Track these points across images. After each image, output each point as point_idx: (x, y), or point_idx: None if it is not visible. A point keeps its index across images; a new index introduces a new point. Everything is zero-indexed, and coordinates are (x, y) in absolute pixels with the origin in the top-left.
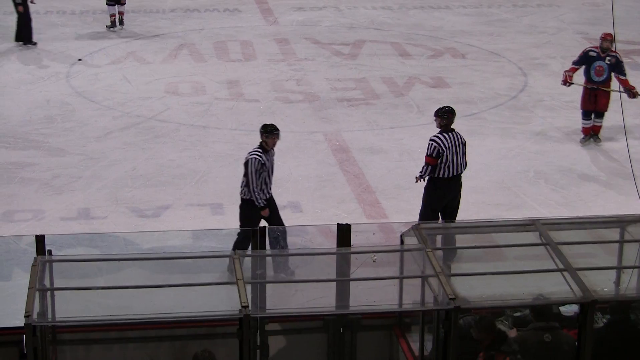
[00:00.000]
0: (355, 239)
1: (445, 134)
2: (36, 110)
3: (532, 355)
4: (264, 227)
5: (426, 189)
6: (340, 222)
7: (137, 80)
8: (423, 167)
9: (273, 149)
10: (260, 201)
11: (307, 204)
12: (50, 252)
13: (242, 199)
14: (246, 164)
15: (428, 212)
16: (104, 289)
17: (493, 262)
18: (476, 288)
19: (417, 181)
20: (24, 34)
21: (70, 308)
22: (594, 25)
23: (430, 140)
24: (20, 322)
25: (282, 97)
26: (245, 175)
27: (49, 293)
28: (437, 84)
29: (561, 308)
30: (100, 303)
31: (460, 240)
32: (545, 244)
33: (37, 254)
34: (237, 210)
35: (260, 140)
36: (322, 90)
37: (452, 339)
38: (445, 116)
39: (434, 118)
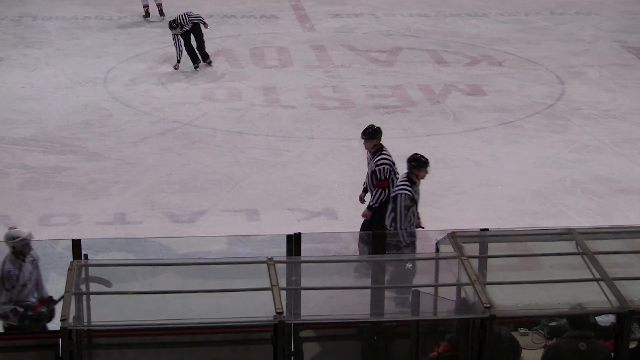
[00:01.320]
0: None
1: (385, 152)
2: (73, 115)
3: None
4: (299, 233)
5: (379, 208)
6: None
7: (173, 86)
8: (380, 196)
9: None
10: (405, 240)
11: (343, 210)
12: (86, 256)
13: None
14: (395, 199)
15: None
16: (139, 293)
17: (529, 270)
18: (512, 297)
19: (369, 217)
20: (201, 54)
21: (105, 312)
22: (632, 33)
23: (381, 165)
24: (56, 325)
25: (318, 103)
26: (394, 211)
27: (84, 297)
28: (473, 92)
29: (597, 318)
30: (136, 308)
31: (496, 248)
32: (582, 253)
33: (74, 258)
34: (271, 217)
35: (407, 172)
36: (358, 97)
37: (488, 347)
38: (372, 136)
39: (365, 141)
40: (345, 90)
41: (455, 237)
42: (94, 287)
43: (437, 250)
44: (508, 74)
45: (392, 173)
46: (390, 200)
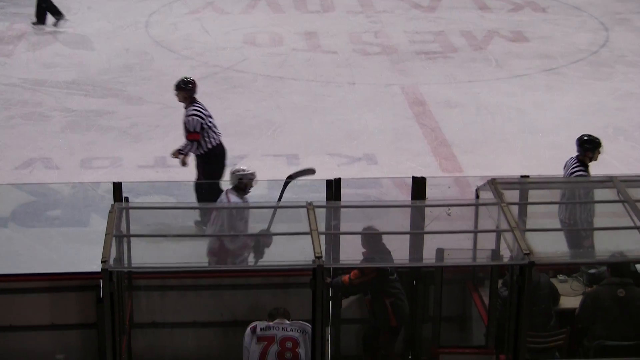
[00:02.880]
0: (430, 192)
1: (197, 105)
2: (115, 59)
3: (604, 309)
4: (339, 178)
5: (203, 163)
6: (415, 175)
7: (215, 31)
8: (190, 147)
9: None
10: None
11: (383, 156)
12: (127, 199)
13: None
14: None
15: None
16: (179, 236)
17: None
18: (552, 244)
19: (184, 162)
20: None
21: (145, 254)
22: None
23: (191, 116)
24: (97, 267)
25: (359, 49)
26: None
27: (125, 239)
28: (516, 38)
29: (638, 266)
30: (176, 250)
31: (537, 195)
32: (623, 201)
33: (115, 201)
34: (311, 162)
35: (578, 155)
36: (400, 43)
37: (526, 294)
38: (190, 87)
39: (177, 93)
40: (387, 35)
41: (495, 184)
42: (134, 229)
43: (477, 196)
44: (552, 21)
45: (205, 125)
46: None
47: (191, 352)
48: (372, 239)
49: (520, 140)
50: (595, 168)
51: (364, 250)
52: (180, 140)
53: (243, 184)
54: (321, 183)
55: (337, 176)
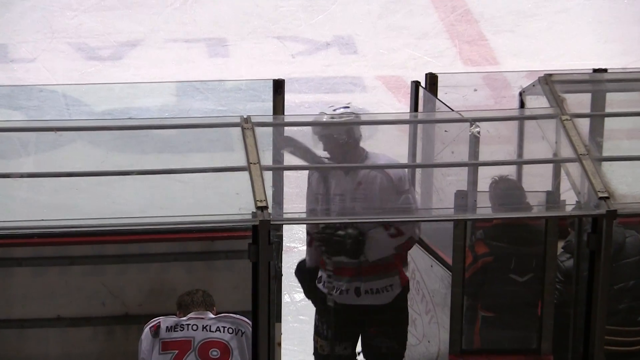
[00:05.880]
0: (446, 98)
1: None
2: None
3: None
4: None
5: None
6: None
7: None
8: None
9: None
10: None
11: (366, 39)
12: None
13: None
14: None
15: None
16: (33, 177)
17: None
18: None
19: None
20: None
21: None
22: None
23: None
24: None
25: None
26: None
27: None
28: None
29: None
30: (29, 200)
31: (620, 102)
32: None
33: None
34: (249, 51)
35: None
36: None
37: (603, 264)
38: None
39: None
40: None
41: (551, 83)
42: None
43: (522, 104)
44: None
45: None
46: None
47: None
48: None
49: (590, 10)
50: None
51: None
52: (27, 18)
53: None
54: (265, 85)
55: (290, 73)
